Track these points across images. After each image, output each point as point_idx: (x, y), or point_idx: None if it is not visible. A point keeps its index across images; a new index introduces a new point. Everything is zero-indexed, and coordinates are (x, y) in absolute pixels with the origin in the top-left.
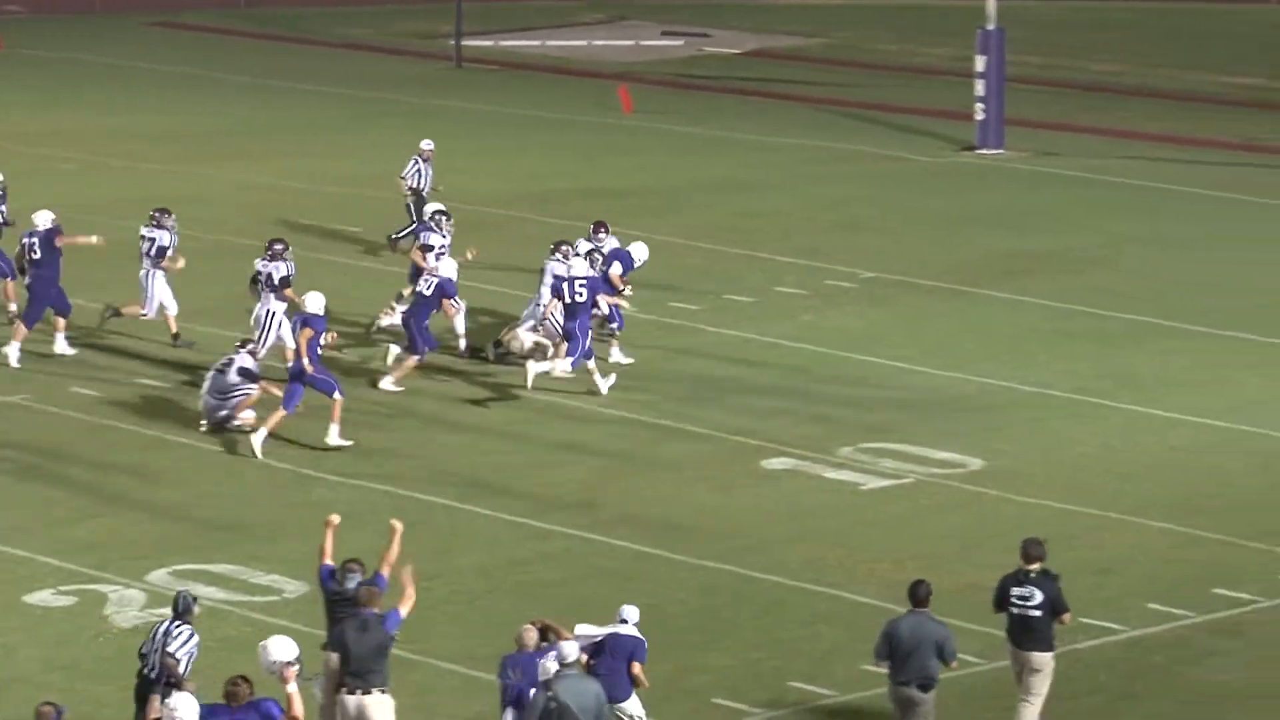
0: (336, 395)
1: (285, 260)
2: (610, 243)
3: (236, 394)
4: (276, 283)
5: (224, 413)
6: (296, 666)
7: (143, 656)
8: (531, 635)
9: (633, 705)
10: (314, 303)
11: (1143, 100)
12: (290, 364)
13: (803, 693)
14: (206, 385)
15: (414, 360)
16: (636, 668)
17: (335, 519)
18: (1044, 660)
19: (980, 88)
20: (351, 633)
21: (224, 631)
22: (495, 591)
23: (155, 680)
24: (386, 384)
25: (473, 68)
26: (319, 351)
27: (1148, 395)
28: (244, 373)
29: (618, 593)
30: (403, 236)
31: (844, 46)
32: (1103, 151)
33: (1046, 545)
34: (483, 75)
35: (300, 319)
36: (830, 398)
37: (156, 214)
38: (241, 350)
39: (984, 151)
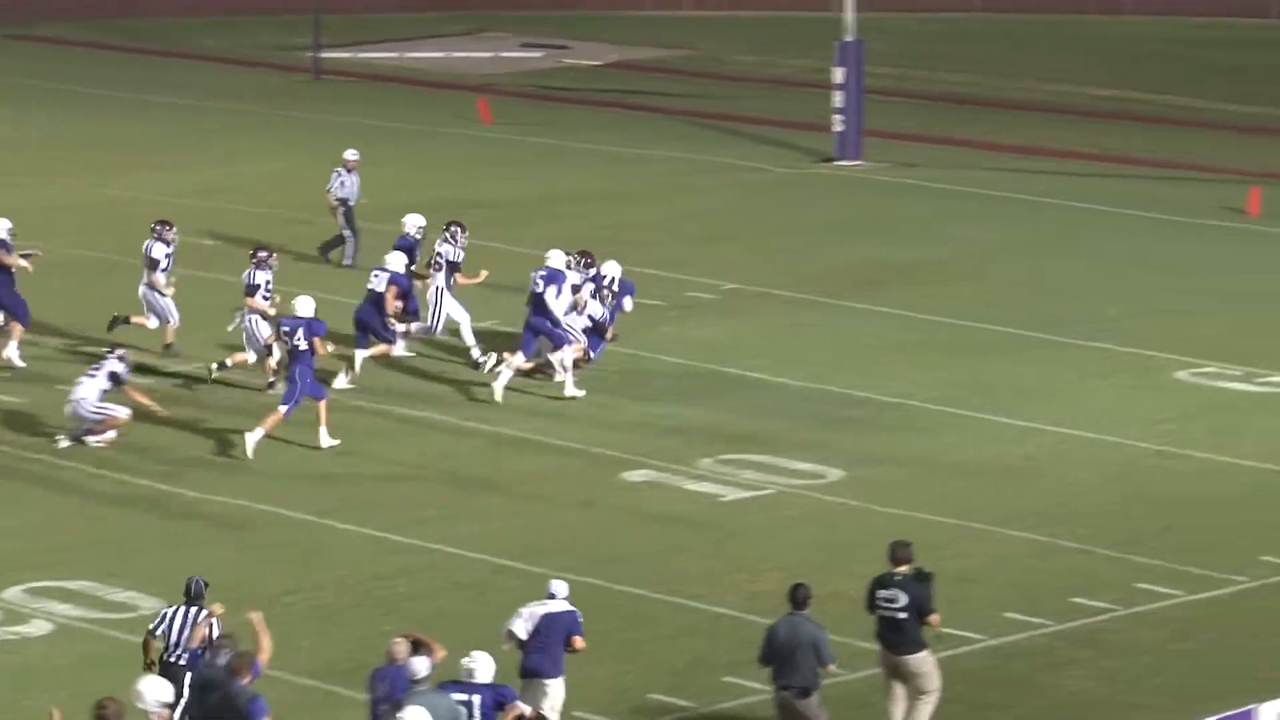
0: (324, 399)
1: (269, 268)
2: (612, 270)
3: (104, 411)
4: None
5: (85, 427)
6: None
7: (158, 636)
8: (401, 648)
9: (558, 686)
10: (305, 307)
11: (1001, 111)
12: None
13: (664, 705)
14: (75, 392)
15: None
16: (579, 642)
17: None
18: (919, 661)
19: (839, 99)
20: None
21: (83, 649)
22: (357, 606)
23: (182, 666)
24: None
25: (331, 80)
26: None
27: (1007, 405)
28: (113, 377)
29: (479, 607)
30: (333, 248)
31: (704, 58)
32: (962, 163)
33: (913, 548)
34: (341, 87)
35: (306, 323)
36: (691, 409)
37: (157, 226)
38: (112, 355)
39: (843, 163)
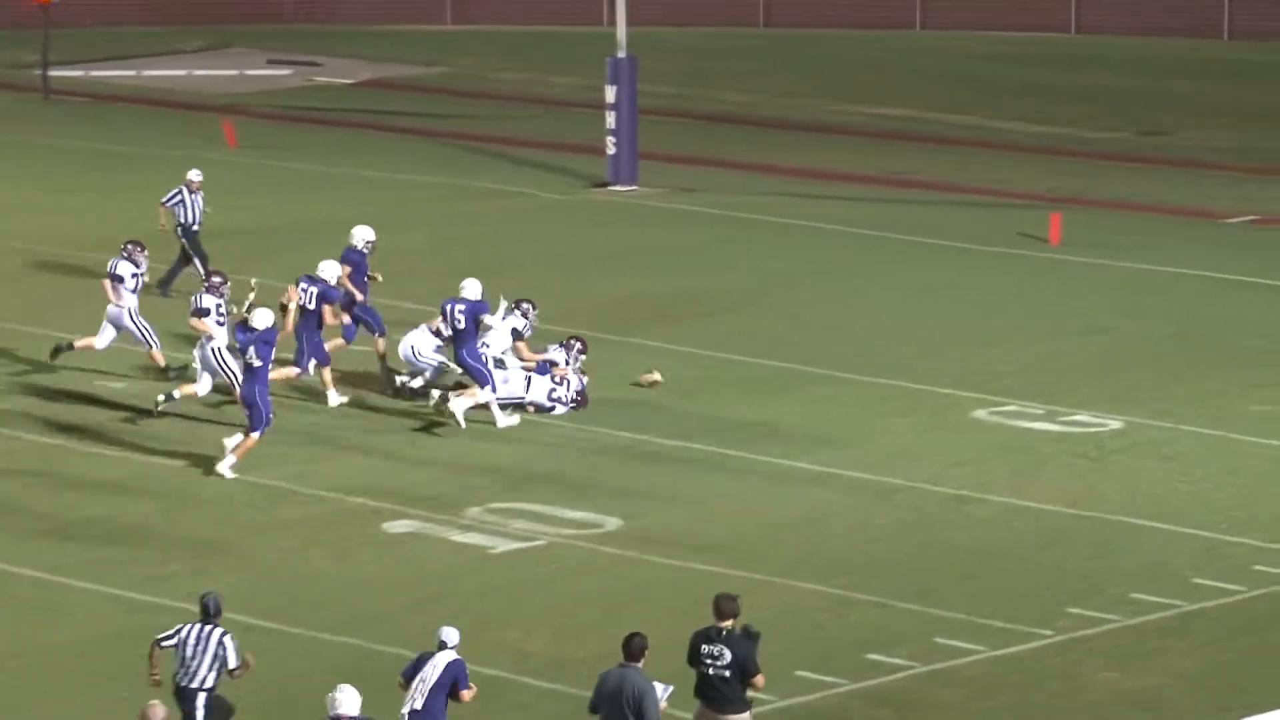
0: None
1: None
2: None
3: None
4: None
5: None
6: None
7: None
8: (158, 712)
9: None
10: (263, 319)
11: (785, 133)
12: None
13: None
14: None
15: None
16: (466, 695)
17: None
18: None
19: (611, 120)
20: None
21: None
22: (94, 671)
23: (194, 689)
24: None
25: (61, 100)
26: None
27: (794, 446)
28: None
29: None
30: (175, 277)
31: (465, 76)
32: (742, 187)
33: (740, 601)
34: (72, 108)
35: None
36: (455, 454)
37: (129, 246)
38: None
39: (617, 188)
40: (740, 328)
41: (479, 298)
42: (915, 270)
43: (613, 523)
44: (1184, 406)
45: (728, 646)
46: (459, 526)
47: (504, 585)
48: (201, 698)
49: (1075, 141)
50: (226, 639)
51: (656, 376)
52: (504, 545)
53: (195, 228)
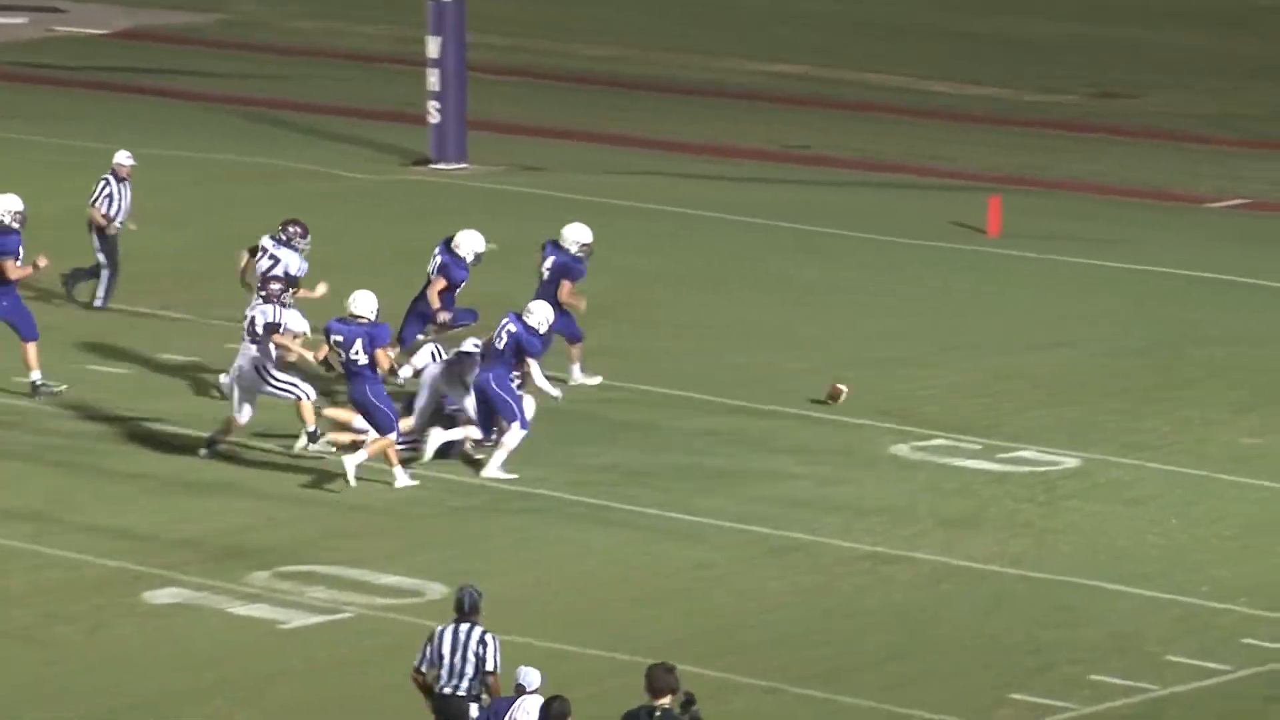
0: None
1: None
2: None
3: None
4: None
5: None
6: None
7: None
8: None
9: None
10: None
11: (651, 96)
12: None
13: None
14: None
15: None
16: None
17: None
18: None
19: (434, 80)
20: None
21: None
22: None
23: (461, 697)
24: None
25: None
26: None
27: (667, 493)
28: None
29: None
30: (83, 279)
31: (250, 25)
32: (599, 164)
33: (677, 673)
34: None
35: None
36: (238, 506)
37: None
38: None
39: (441, 166)
40: (595, 342)
41: (539, 326)
42: (819, 269)
43: (437, 589)
44: (1155, 439)
45: None
46: (241, 596)
47: (298, 669)
48: (473, 707)
49: (1018, 107)
50: (488, 638)
51: (845, 389)
52: (299, 619)
53: (120, 223)
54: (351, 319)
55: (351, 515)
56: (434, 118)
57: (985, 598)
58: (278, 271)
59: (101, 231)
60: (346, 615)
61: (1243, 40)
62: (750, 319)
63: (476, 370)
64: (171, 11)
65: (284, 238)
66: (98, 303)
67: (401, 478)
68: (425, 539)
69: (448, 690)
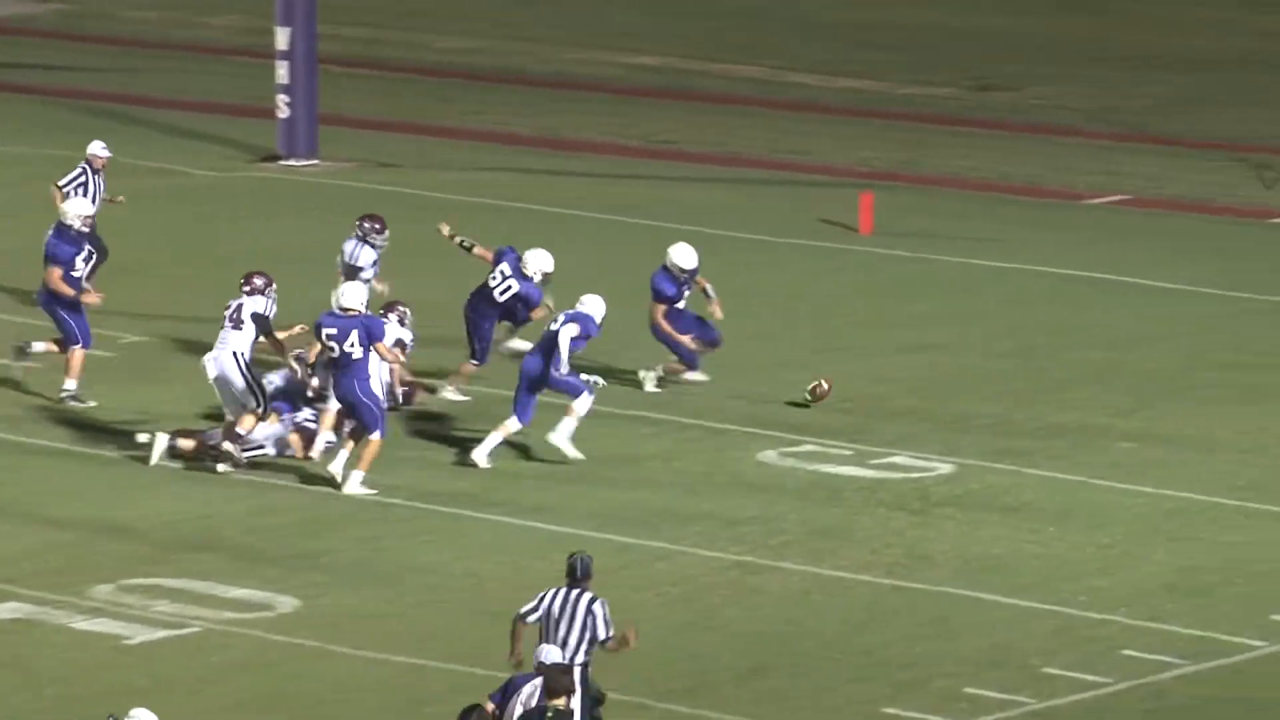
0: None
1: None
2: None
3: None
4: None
5: None
6: None
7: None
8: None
9: None
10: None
11: (508, 88)
12: None
13: None
14: None
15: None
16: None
17: None
18: None
19: (283, 73)
20: None
21: None
22: None
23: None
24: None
25: None
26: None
27: (522, 502)
28: None
29: None
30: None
31: (88, 15)
32: (454, 160)
33: (575, 674)
34: None
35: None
36: (80, 519)
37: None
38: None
39: (291, 162)
40: (453, 348)
41: (593, 315)
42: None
43: (287, 603)
44: (1032, 444)
45: None
46: (83, 610)
47: (144, 686)
48: (574, 672)
49: (890, 100)
50: (597, 605)
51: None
52: (144, 634)
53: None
54: (342, 312)
55: (198, 527)
56: (283, 112)
57: (857, 609)
58: (361, 263)
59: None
60: (193, 630)
61: (1121, 32)
62: (610, 319)
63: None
64: (3, 1)
65: (360, 234)
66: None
67: (353, 483)
68: (275, 551)
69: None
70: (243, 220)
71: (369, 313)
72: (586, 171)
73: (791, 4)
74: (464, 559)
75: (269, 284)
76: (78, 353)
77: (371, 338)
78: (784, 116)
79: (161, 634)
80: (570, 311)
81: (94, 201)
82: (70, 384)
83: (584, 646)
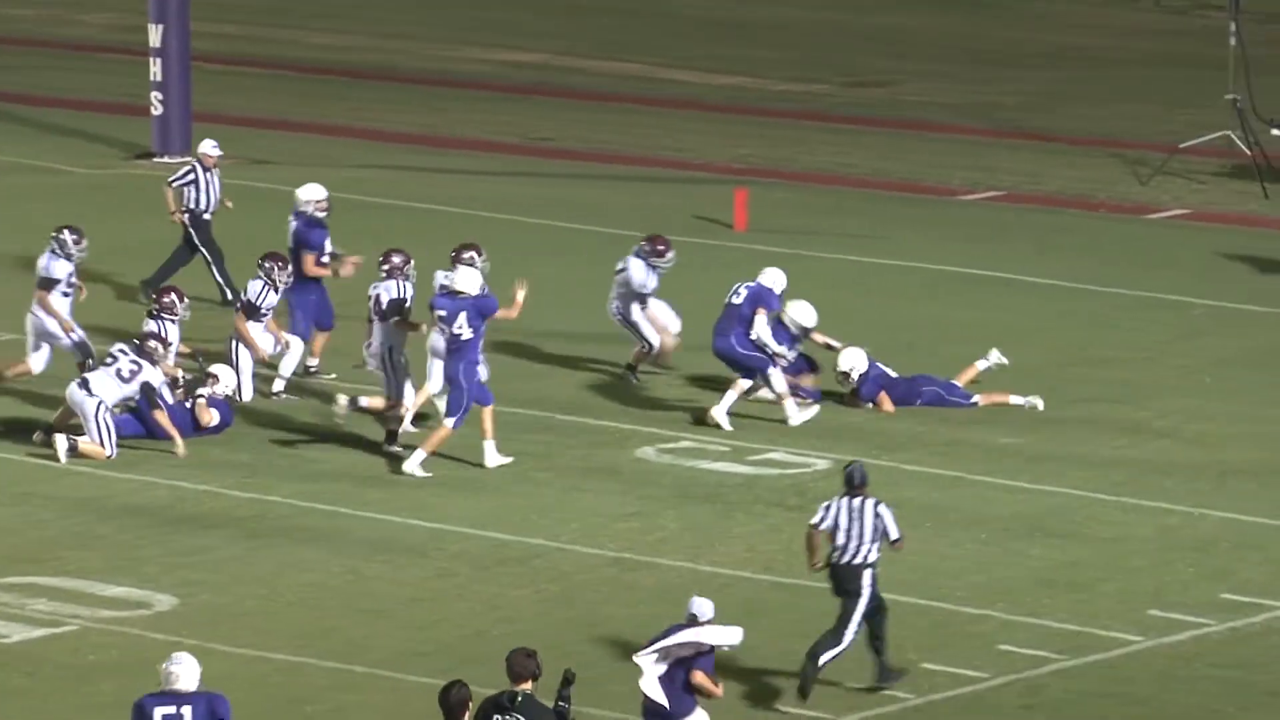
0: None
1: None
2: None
3: None
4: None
5: None
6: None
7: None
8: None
9: None
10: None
11: (384, 85)
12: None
13: None
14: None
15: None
16: (699, 676)
17: None
18: None
19: (157, 70)
20: None
21: None
22: None
23: (857, 565)
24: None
25: None
26: None
27: (404, 500)
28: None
29: None
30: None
31: None
32: (331, 157)
33: (539, 657)
34: None
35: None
36: None
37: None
38: None
39: (165, 159)
40: (326, 344)
41: (773, 287)
42: (560, 265)
43: (165, 601)
44: (908, 440)
45: (526, 716)
46: None
47: (22, 685)
48: (866, 574)
49: (766, 97)
50: (882, 508)
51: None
52: (20, 633)
53: (207, 215)
54: (455, 295)
55: (74, 524)
56: (157, 109)
57: (735, 606)
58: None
59: (196, 223)
60: (70, 628)
61: (995, 27)
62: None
63: None
64: None
65: (641, 253)
66: (229, 296)
67: (412, 462)
68: (151, 549)
69: (842, 560)
70: (119, 218)
71: (483, 293)
72: (464, 169)
73: (669, 1)
74: (342, 557)
75: (407, 262)
76: (320, 337)
77: (483, 317)
78: (662, 114)
79: (39, 633)
80: (752, 285)
81: (207, 203)
82: (313, 361)
83: (875, 547)
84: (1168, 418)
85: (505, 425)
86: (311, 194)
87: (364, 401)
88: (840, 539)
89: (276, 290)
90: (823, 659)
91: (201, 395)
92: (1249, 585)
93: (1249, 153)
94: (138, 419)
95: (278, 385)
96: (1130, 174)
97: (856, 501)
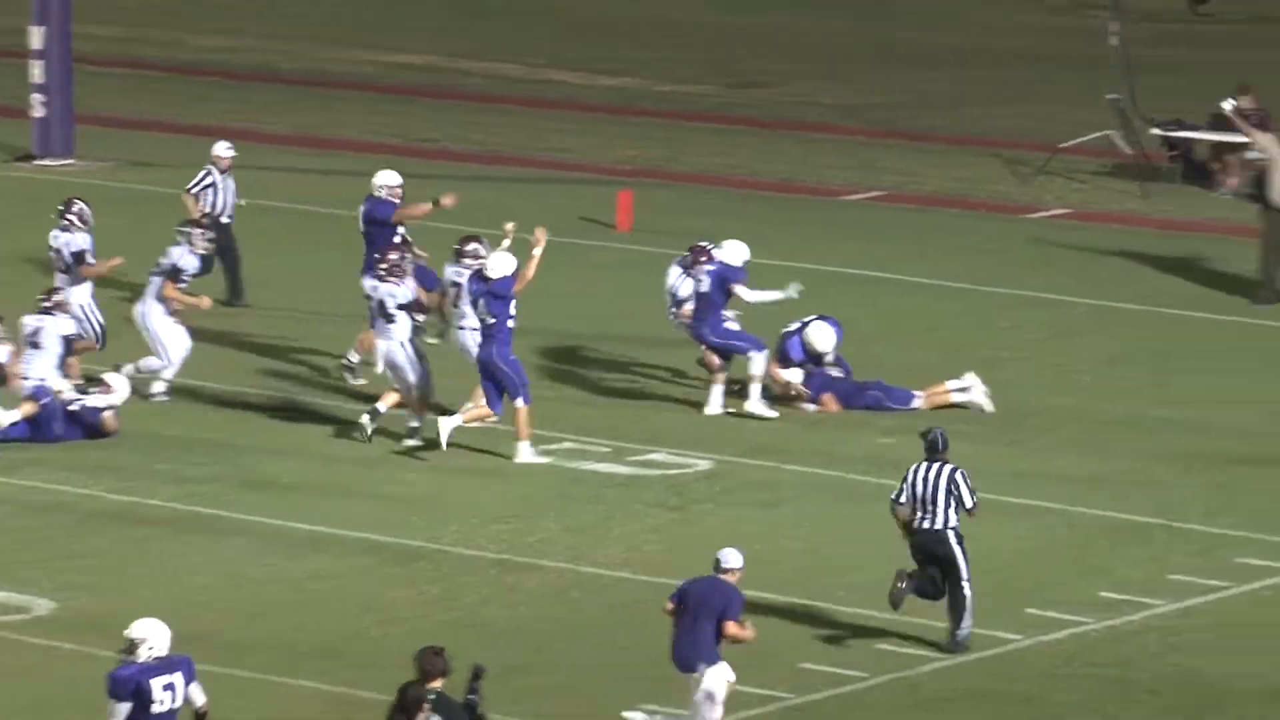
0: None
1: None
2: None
3: None
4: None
5: None
6: None
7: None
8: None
9: (714, 677)
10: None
11: (267, 87)
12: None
13: None
14: None
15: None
16: (731, 627)
17: None
18: None
19: (38, 72)
20: None
21: None
22: None
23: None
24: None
25: None
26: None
27: (282, 502)
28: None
29: None
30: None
31: None
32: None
33: (447, 654)
34: None
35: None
36: None
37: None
38: None
39: (46, 161)
40: (201, 349)
41: (732, 260)
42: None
43: (43, 605)
44: (789, 439)
45: (440, 714)
46: None
47: None
48: (950, 535)
49: (650, 98)
50: (958, 475)
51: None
52: None
53: (225, 219)
54: (485, 282)
55: None
56: (38, 111)
57: (616, 607)
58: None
59: (215, 223)
60: None
61: (876, 27)
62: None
63: None
64: None
65: (681, 264)
66: (237, 300)
67: (525, 453)
68: (30, 553)
69: (925, 525)
70: (8, 220)
71: (500, 277)
72: (347, 170)
73: (552, 2)
74: (222, 559)
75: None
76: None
77: (496, 297)
78: (545, 114)
79: None
80: (712, 268)
81: (223, 206)
82: (354, 356)
83: (952, 513)
84: (1046, 416)
85: (386, 422)
86: (386, 179)
87: (383, 406)
88: (919, 506)
89: (197, 256)
90: (964, 627)
91: (99, 403)
92: (1128, 583)
93: (1129, 152)
94: (30, 423)
95: (158, 387)
96: (1011, 173)
97: (935, 468)
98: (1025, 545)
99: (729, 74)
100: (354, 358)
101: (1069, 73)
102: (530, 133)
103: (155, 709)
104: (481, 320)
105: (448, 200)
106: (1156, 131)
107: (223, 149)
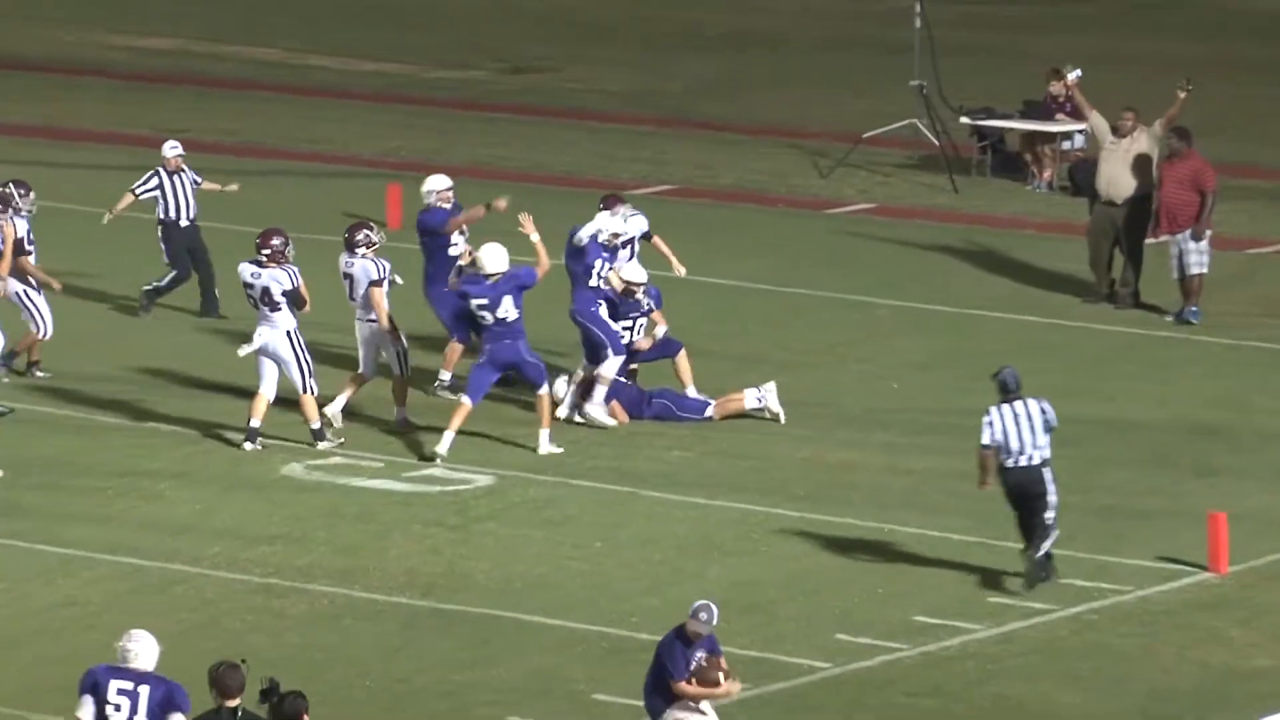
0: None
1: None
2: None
3: None
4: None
5: None
6: None
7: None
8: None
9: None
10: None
11: (6, 73)
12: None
13: None
14: None
15: None
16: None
17: None
18: None
19: None
20: None
21: None
22: None
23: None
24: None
25: None
26: None
27: (28, 524)
28: None
29: None
30: (162, 289)
31: None
32: None
33: (247, 668)
34: None
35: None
36: None
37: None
38: None
39: None
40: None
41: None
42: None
43: None
44: (576, 453)
45: None
46: None
47: None
48: (1046, 471)
49: (418, 85)
50: (1045, 403)
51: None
52: None
53: (185, 223)
54: (486, 279)
55: None
56: None
57: (391, 634)
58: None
59: (169, 234)
60: None
61: (666, 7)
62: (98, 323)
63: None
64: None
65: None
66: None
67: (544, 444)
68: None
69: (1022, 463)
70: None
71: (515, 268)
72: (90, 164)
73: None
74: None
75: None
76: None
77: (524, 289)
78: (303, 102)
79: None
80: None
81: (176, 211)
82: (445, 375)
83: (1046, 445)
84: (852, 425)
85: (136, 437)
86: (436, 184)
87: (342, 400)
88: (1014, 444)
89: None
90: (1042, 548)
91: None
92: (942, 607)
93: (936, 143)
94: None
95: None
96: (811, 165)
97: (1018, 405)
98: (831, 565)
99: (503, 58)
100: (445, 376)
101: (872, 57)
102: (288, 122)
103: (109, 711)
104: (500, 319)
105: (500, 203)
106: (965, 120)
107: (168, 149)
